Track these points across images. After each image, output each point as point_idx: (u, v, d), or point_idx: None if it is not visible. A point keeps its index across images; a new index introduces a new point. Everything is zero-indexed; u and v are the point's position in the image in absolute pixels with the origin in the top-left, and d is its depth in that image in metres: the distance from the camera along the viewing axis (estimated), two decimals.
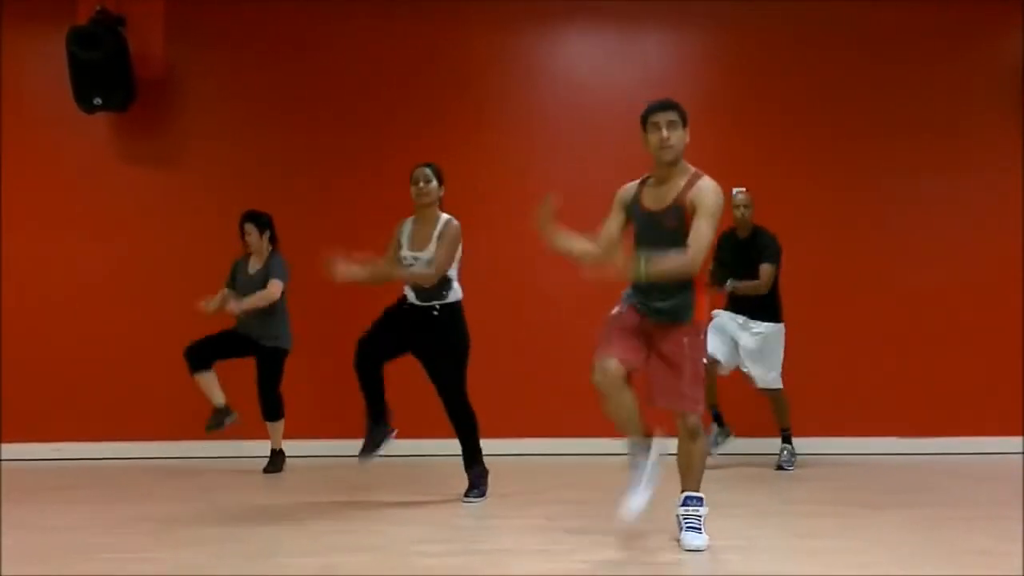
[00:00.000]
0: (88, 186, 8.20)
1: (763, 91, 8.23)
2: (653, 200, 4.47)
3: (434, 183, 5.79)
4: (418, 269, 5.72)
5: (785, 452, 7.28)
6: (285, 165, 8.16)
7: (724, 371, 7.14)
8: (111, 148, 8.24)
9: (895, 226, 8.20)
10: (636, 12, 8.29)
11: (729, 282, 7.11)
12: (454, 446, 5.96)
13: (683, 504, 4.48)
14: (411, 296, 5.77)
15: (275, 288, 7.08)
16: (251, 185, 8.06)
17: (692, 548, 4.33)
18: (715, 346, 6.92)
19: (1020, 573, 3.80)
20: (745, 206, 7.14)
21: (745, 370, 7.18)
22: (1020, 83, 8.21)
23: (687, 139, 4.46)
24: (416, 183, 5.79)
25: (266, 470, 7.19)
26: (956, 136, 8.24)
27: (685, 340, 4.41)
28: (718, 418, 7.32)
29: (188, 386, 7.49)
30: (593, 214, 4.71)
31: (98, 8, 7.71)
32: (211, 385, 7.11)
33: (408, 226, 5.90)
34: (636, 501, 4.37)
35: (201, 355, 7.09)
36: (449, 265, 5.73)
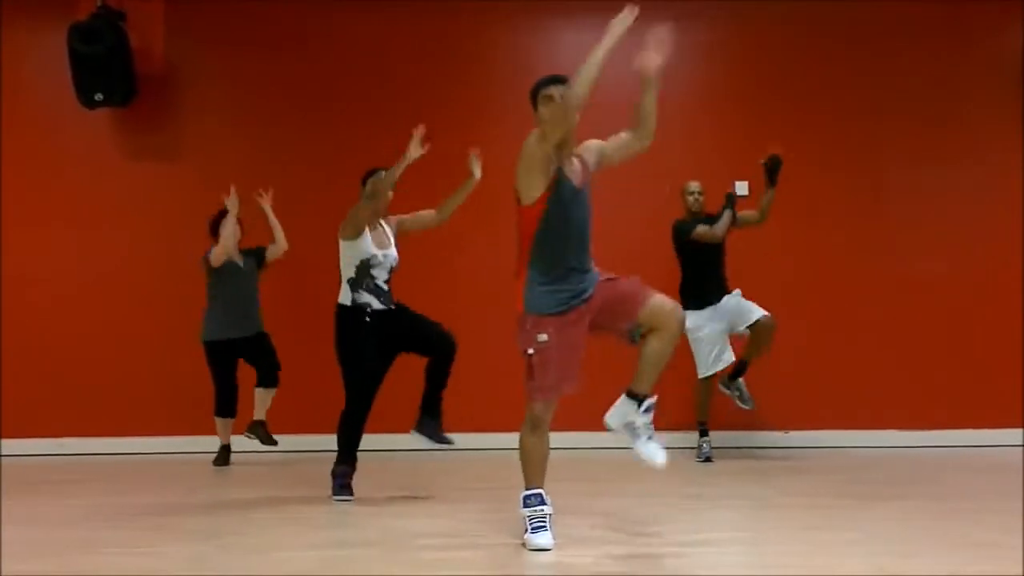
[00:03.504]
0: (89, 181, 8.22)
1: (763, 85, 8.23)
2: (573, 175, 4.34)
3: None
4: (384, 268, 5.81)
5: (739, 390, 7.26)
6: (285, 159, 8.17)
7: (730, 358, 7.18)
8: (112, 143, 8.26)
9: (895, 218, 8.21)
10: (637, 4, 8.28)
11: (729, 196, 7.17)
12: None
13: (643, 413, 4.32)
14: (375, 303, 5.77)
15: (278, 246, 7.49)
16: (252, 179, 8.04)
17: (660, 466, 4.28)
18: (713, 356, 6.97)
19: (1021, 564, 3.80)
20: (699, 192, 7.24)
21: (742, 329, 7.16)
22: (1021, 76, 8.20)
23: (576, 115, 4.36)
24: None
25: (263, 440, 7.34)
26: (958, 128, 8.24)
27: (604, 279, 4.35)
28: (704, 431, 7.31)
29: (189, 381, 7.54)
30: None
31: (99, 4, 7.73)
32: (230, 427, 7.39)
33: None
34: (545, 540, 4.20)
35: (232, 401, 7.34)
36: None
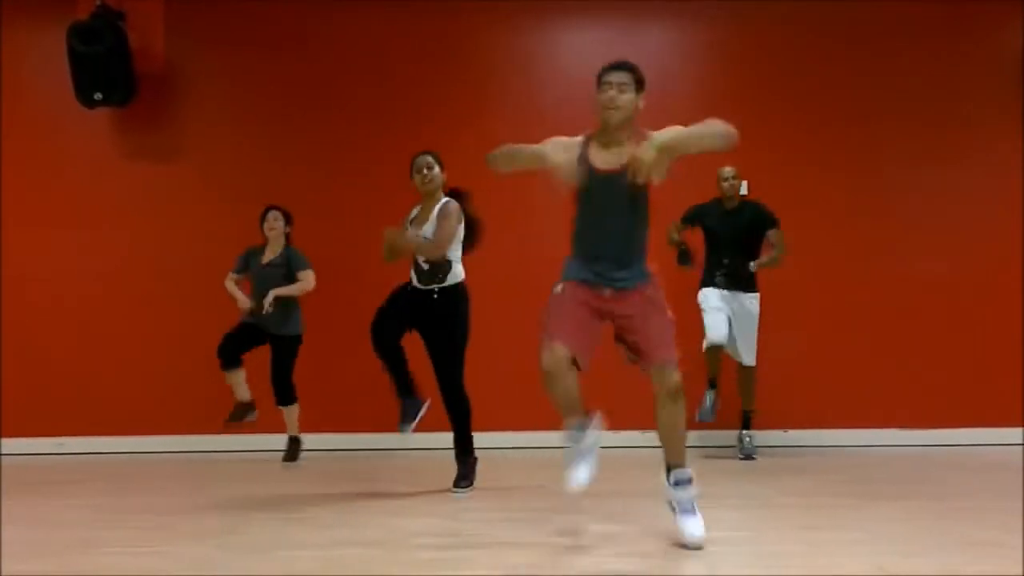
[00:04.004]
0: (89, 181, 8.22)
1: (764, 83, 8.23)
2: (604, 162, 4.32)
3: (436, 169, 5.91)
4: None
5: (748, 440, 7.31)
6: (285, 158, 8.18)
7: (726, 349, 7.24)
8: (111, 143, 8.26)
9: (895, 216, 8.21)
10: (637, 4, 8.29)
11: (752, 264, 7.23)
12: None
13: (675, 486, 4.31)
14: (414, 279, 5.82)
15: (311, 278, 7.26)
16: (251, 179, 8.08)
17: (694, 540, 4.19)
18: (720, 329, 7.00)
19: (1022, 564, 3.80)
20: (734, 177, 7.26)
21: (734, 347, 7.22)
22: (1021, 75, 8.20)
23: (640, 105, 4.35)
24: (420, 171, 5.89)
25: (285, 459, 7.32)
26: (957, 127, 8.25)
27: (648, 294, 4.31)
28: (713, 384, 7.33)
29: (191, 379, 7.54)
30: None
31: (98, 3, 7.73)
32: (240, 381, 7.25)
33: (414, 211, 5.99)
34: (581, 473, 4.21)
35: (233, 352, 7.19)
36: (448, 242, 5.75)
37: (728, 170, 7.26)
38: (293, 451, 7.38)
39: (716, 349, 7.17)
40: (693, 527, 4.22)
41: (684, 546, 4.21)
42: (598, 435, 4.29)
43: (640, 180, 4.16)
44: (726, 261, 7.24)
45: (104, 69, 7.71)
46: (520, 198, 8.01)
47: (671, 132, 4.31)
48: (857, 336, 8.12)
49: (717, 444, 7.63)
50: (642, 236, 4.41)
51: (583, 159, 4.36)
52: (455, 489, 5.83)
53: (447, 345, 5.79)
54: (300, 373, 7.40)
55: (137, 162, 8.27)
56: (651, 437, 7.58)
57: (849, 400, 8.04)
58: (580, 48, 8.17)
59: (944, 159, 8.22)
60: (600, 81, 4.39)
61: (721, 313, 7.14)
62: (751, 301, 7.27)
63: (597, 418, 4.32)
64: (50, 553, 4.32)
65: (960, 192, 8.22)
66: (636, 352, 4.32)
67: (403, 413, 5.77)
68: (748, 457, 7.22)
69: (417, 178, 5.88)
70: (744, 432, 7.34)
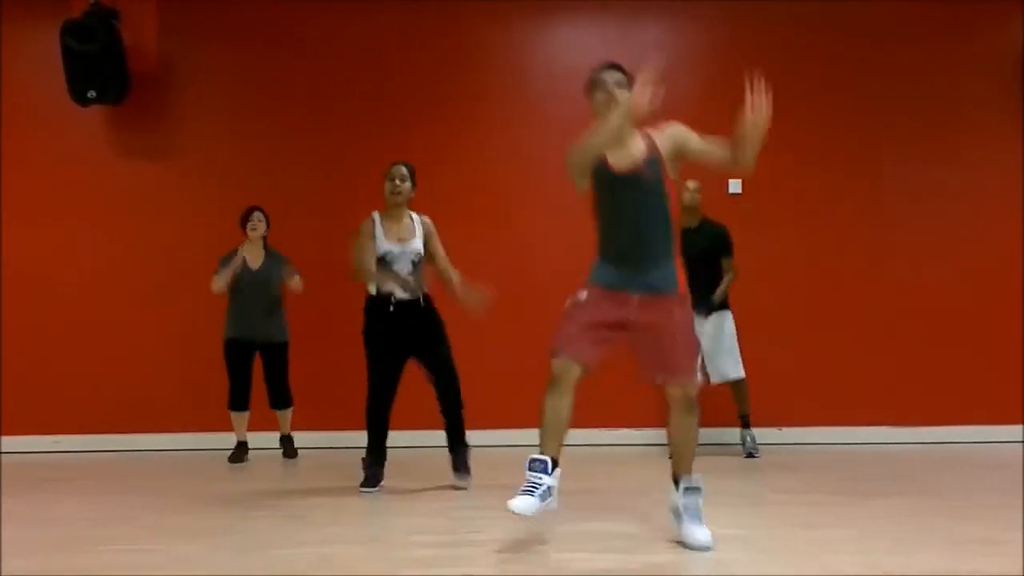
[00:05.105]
0: (83, 179, 8.20)
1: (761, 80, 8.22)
2: (619, 160, 4.25)
3: (408, 184, 5.96)
4: (404, 261, 5.86)
5: (750, 439, 7.31)
6: (279, 157, 8.16)
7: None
8: (105, 141, 8.24)
9: (893, 215, 8.21)
10: (634, 3, 8.28)
11: (714, 296, 7.20)
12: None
13: (684, 494, 4.31)
14: (398, 293, 5.83)
15: (300, 281, 7.32)
16: (245, 177, 8.06)
17: (701, 546, 4.16)
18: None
19: (1020, 561, 3.80)
20: (696, 190, 7.24)
21: (710, 369, 7.07)
22: (1020, 74, 8.20)
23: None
24: (393, 180, 5.95)
25: (286, 456, 7.47)
26: (956, 126, 8.24)
27: (675, 309, 4.27)
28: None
29: (186, 377, 7.52)
30: (589, 204, 4.66)
31: (92, 1, 7.70)
32: (245, 421, 7.37)
33: (378, 221, 5.97)
34: (526, 505, 4.04)
35: (246, 396, 7.31)
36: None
37: (692, 183, 7.23)
38: (291, 448, 7.53)
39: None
40: (702, 534, 4.21)
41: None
42: (557, 484, 4.18)
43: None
44: (693, 284, 7.22)
45: (98, 67, 7.69)
46: (518, 198, 8.02)
47: (690, 133, 4.32)
48: (853, 333, 8.11)
49: (711, 442, 7.63)
50: (668, 234, 4.32)
51: (597, 158, 4.28)
52: (460, 481, 5.88)
53: (443, 341, 5.92)
54: (294, 371, 7.42)
55: (131, 160, 8.24)
56: (646, 435, 7.60)
57: (844, 397, 8.03)
58: (577, 47, 8.15)
59: (943, 158, 8.21)
60: (595, 83, 4.37)
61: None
62: (724, 319, 7.26)
63: (559, 472, 4.22)
64: (46, 551, 4.32)
65: (960, 191, 8.20)
66: (656, 364, 4.27)
67: (370, 478, 5.87)
68: (751, 455, 7.22)
69: (388, 186, 5.94)
70: (744, 431, 7.34)
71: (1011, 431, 7.95)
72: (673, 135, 4.33)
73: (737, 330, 7.25)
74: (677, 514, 4.35)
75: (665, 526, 4.53)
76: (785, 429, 7.96)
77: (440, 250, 6.01)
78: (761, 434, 7.42)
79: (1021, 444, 7.71)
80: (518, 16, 8.31)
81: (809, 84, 8.22)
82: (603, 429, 7.68)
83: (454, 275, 5.94)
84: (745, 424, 7.36)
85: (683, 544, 4.24)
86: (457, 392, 5.92)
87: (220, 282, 7.20)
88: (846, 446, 7.74)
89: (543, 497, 4.08)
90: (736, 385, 7.29)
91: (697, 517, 4.28)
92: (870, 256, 8.16)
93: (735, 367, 7.23)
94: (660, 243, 4.30)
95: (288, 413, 7.50)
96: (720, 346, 7.20)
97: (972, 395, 8.04)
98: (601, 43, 8.10)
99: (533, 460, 4.17)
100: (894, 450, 7.63)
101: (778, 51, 8.21)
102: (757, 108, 4.10)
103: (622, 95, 4.26)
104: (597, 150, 4.21)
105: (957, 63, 8.28)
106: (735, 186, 7.91)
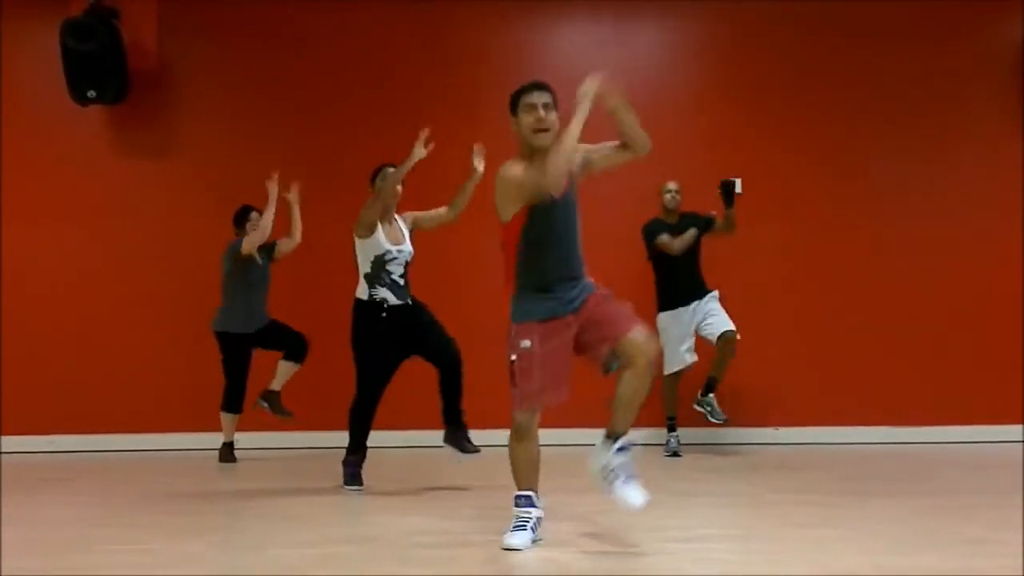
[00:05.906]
0: (83, 178, 8.20)
1: (756, 79, 8.23)
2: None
3: (399, 187, 5.95)
4: (399, 263, 5.89)
5: (707, 408, 7.24)
6: (278, 156, 8.12)
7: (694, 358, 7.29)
8: (105, 140, 8.24)
9: (892, 213, 8.21)
10: (629, 2, 8.28)
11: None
12: None
13: (619, 454, 4.21)
14: (390, 299, 5.83)
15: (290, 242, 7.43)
16: (245, 176, 8.03)
17: (638, 506, 4.11)
18: (682, 352, 7.02)
19: (1020, 561, 3.79)
20: (677, 191, 7.32)
21: (707, 333, 7.21)
22: (1019, 72, 8.20)
23: (558, 124, 4.24)
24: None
25: (264, 398, 7.33)
26: (956, 125, 8.26)
27: (599, 294, 4.27)
28: (672, 427, 7.34)
29: (184, 376, 7.52)
30: (586, 203, 4.63)
31: (92, 1, 7.69)
32: (234, 424, 7.31)
33: (378, 221, 5.95)
34: (521, 541, 4.16)
35: (242, 397, 7.26)
36: None
37: (672, 184, 7.31)
38: (277, 402, 7.32)
39: (675, 377, 7.30)
40: (637, 494, 4.16)
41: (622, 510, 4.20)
42: (542, 514, 4.29)
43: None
44: (683, 276, 7.26)
45: (97, 66, 7.69)
46: None
47: (588, 146, 4.32)
48: (852, 333, 8.11)
49: (708, 442, 7.65)
50: (580, 250, 4.34)
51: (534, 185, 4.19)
52: (466, 452, 5.89)
53: (436, 324, 5.93)
54: (297, 372, 7.39)
55: (130, 159, 8.25)
56: (643, 435, 7.57)
57: (843, 397, 8.03)
58: (574, 46, 8.16)
59: (941, 156, 8.23)
60: (520, 103, 4.29)
61: (682, 344, 7.23)
62: (712, 297, 7.31)
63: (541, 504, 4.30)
64: (44, 551, 4.31)
65: (958, 189, 8.22)
66: (604, 336, 4.23)
67: (351, 476, 5.90)
68: (674, 454, 7.21)
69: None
70: (703, 398, 7.22)
71: (1011, 431, 7.95)
72: (579, 154, 4.29)
73: (737, 330, 7.24)
74: (607, 473, 4.25)
75: (665, 526, 4.53)
76: (783, 429, 7.96)
77: (429, 212, 6.08)
78: (758, 434, 7.42)
79: (1021, 444, 7.70)
80: (514, 16, 8.31)
81: (807, 83, 8.23)
82: (601, 429, 7.66)
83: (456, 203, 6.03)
84: (708, 390, 7.21)
85: (617, 505, 4.19)
86: (459, 364, 5.88)
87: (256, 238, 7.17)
88: (844, 446, 7.73)
89: (534, 528, 4.23)
90: (726, 342, 7.15)
91: (632, 477, 4.22)
92: (870, 256, 8.16)
93: (725, 322, 7.19)
94: (580, 261, 4.32)
95: (294, 369, 7.33)
96: (708, 312, 7.22)
97: (972, 395, 8.04)
98: (597, 42, 8.13)
99: (518, 497, 4.30)
100: (894, 450, 7.63)
101: (775, 50, 8.23)
102: (588, 83, 4.18)
103: (550, 118, 4.22)
104: (562, 171, 4.12)
105: (956, 62, 8.29)
106: (736, 186, 7.89)
